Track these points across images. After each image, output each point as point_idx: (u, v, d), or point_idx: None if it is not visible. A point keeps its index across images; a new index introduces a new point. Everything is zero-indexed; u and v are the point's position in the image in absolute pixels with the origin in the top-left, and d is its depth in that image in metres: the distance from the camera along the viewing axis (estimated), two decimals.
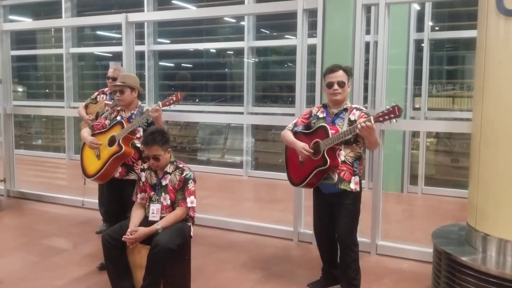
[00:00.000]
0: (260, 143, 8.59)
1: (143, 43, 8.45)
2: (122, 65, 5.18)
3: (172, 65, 9.69)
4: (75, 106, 8.58)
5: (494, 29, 2.79)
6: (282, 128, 3.45)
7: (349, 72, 3.27)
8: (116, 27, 7.94)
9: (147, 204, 3.31)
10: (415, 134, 6.88)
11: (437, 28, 7.08)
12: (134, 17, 5.20)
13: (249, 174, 7.95)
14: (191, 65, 9.63)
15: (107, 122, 3.76)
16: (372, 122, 2.88)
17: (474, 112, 3.04)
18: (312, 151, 3.13)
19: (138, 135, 3.63)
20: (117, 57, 7.37)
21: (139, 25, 7.91)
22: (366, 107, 3.98)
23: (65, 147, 9.58)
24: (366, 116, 3.10)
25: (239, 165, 8.21)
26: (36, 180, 7.35)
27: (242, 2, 7.54)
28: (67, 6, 9.15)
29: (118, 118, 3.70)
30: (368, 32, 4.35)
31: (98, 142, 3.66)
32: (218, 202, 6.15)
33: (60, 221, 5.16)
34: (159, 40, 8.96)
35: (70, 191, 5.99)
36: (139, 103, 3.79)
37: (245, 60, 7.95)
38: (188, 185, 3.21)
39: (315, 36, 4.28)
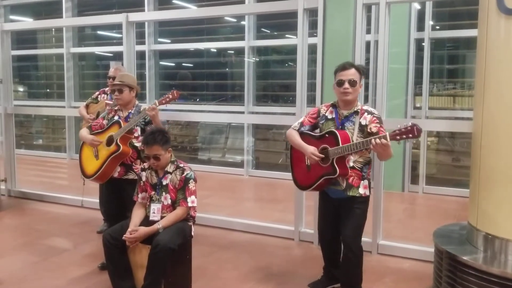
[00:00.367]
0: (261, 143, 8.59)
1: (143, 43, 8.45)
2: (122, 64, 5.17)
3: (173, 64, 9.68)
4: (76, 106, 8.58)
5: (495, 28, 2.79)
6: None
7: (362, 71, 3.11)
8: (117, 27, 7.92)
9: (148, 203, 3.31)
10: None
11: (437, 27, 7.07)
12: (135, 16, 5.20)
13: (250, 173, 7.94)
14: (191, 65, 9.62)
15: (104, 122, 3.76)
16: (388, 140, 2.74)
17: (475, 111, 3.04)
18: (322, 156, 3.01)
19: (135, 134, 3.64)
20: (118, 56, 7.37)
21: (140, 25, 7.92)
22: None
23: (66, 147, 9.58)
24: (378, 121, 2.99)
25: (240, 165, 8.21)
26: (37, 180, 7.36)
27: (243, 2, 7.54)
28: (68, 6, 9.16)
29: (116, 117, 3.70)
30: (368, 31, 4.33)
31: (99, 139, 3.66)
32: (219, 202, 6.14)
33: (60, 221, 5.16)
34: (159, 39, 8.95)
35: (71, 191, 5.99)
36: (137, 102, 3.79)
37: (246, 59, 7.94)
38: (189, 184, 3.20)
39: (316, 36, 4.27)
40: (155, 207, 3.23)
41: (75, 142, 9.43)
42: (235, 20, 8.61)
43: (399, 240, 4.32)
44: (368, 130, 2.99)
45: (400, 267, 3.91)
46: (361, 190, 3.06)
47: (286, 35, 8.36)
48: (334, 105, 3.18)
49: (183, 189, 3.21)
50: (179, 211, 3.19)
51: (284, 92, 8.80)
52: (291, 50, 8.07)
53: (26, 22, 9.37)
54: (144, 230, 3.09)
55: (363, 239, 3.22)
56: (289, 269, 3.87)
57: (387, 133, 2.78)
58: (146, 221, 3.22)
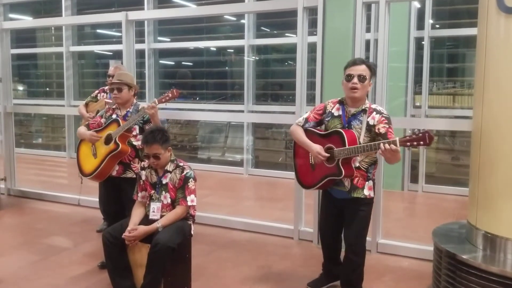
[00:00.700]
0: (260, 141, 8.59)
1: (143, 41, 8.44)
2: (122, 63, 5.18)
3: (173, 63, 9.68)
4: (75, 105, 8.57)
5: (495, 27, 2.79)
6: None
7: (373, 68, 2.99)
8: (116, 25, 7.93)
9: (148, 202, 3.31)
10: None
11: (437, 26, 7.07)
12: (134, 15, 5.19)
13: (250, 172, 7.94)
14: (191, 63, 9.62)
15: (102, 120, 3.76)
16: (398, 145, 2.64)
17: (474, 110, 3.04)
18: (327, 155, 2.91)
19: (134, 133, 3.63)
20: (117, 55, 7.38)
21: (139, 23, 7.91)
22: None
23: (66, 146, 9.58)
24: (386, 121, 2.90)
25: (239, 164, 8.21)
26: (36, 179, 7.36)
27: (242, 0, 7.52)
28: (67, 4, 9.14)
29: (114, 116, 3.70)
30: (368, 30, 4.33)
31: (98, 135, 3.66)
32: (218, 201, 6.15)
33: (60, 220, 5.16)
34: (159, 38, 8.95)
35: (70, 189, 5.98)
36: (135, 101, 3.79)
37: (246, 58, 7.94)
38: (189, 183, 3.20)
39: (316, 34, 4.27)
40: (154, 206, 3.24)
41: (74, 141, 9.42)
42: (234, 18, 8.60)
43: (399, 239, 4.32)
44: (376, 130, 2.90)
45: (400, 266, 3.92)
46: (366, 192, 3.00)
47: (286, 34, 8.36)
48: (341, 102, 3.07)
49: (183, 188, 3.21)
50: (178, 210, 3.19)
51: (284, 91, 8.80)
52: (291, 49, 8.06)
53: (25, 21, 9.35)
54: (143, 229, 3.09)
55: None
56: (288, 267, 3.87)
57: (397, 139, 2.68)
58: (146, 220, 3.22)
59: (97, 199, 4.65)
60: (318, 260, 3.59)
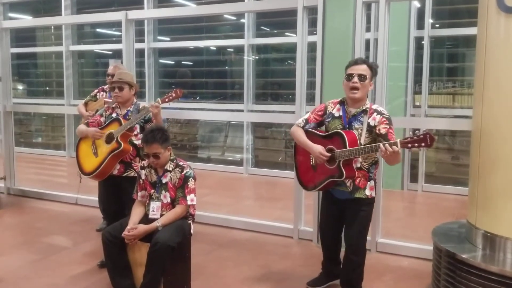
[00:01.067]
0: (260, 141, 8.59)
1: (143, 41, 8.43)
2: (122, 62, 5.17)
3: (172, 62, 9.68)
4: (75, 104, 8.55)
5: (495, 26, 2.79)
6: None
7: (374, 69, 2.98)
8: (116, 25, 7.93)
9: (147, 201, 3.31)
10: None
11: (437, 25, 7.07)
12: (134, 14, 5.19)
13: (249, 171, 7.94)
14: (191, 63, 9.62)
15: (102, 119, 3.75)
16: (399, 147, 2.64)
17: (474, 109, 3.04)
18: (329, 155, 2.91)
19: (135, 132, 3.63)
20: (117, 54, 7.38)
21: (139, 23, 7.90)
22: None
23: (65, 145, 9.58)
24: (387, 122, 2.89)
25: (239, 163, 8.21)
26: (36, 178, 7.36)
27: (242, 0, 7.53)
28: (67, 3, 9.14)
29: (114, 115, 3.69)
30: (368, 29, 4.33)
31: (101, 131, 3.64)
32: (218, 200, 6.15)
33: (60, 219, 5.16)
34: (159, 37, 8.94)
35: (70, 189, 5.97)
36: (135, 100, 3.78)
37: (245, 57, 7.94)
38: (188, 183, 3.20)
39: (315, 34, 4.27)
40: (154, 205, 3.23)
41: (74, 140, 9.40)
42: (234, 18, 8.60)
43: (398, 238, 4.33)
44: (377, 131, 2.90)
45: (399, 265, 3.92)
46: (367, 192, 3.00)
47: (286, 33, 8.36)
48: (342, 102, 3.06)
49: (183, 187, 3.21)
50: (178, 209, 3.19)
51: (284, 90, 8.80)
52: (291, 48, 8.06)
53: (25, 20, 9.33)
54: (143, 228, 3.09)
55: None
56: (288, 267, 3.87)
57: (398, 140, 2.68)
58: (146, 219, 3.22)
59: (95, 198, 4.63)
60: (318, 259, 3.59)
